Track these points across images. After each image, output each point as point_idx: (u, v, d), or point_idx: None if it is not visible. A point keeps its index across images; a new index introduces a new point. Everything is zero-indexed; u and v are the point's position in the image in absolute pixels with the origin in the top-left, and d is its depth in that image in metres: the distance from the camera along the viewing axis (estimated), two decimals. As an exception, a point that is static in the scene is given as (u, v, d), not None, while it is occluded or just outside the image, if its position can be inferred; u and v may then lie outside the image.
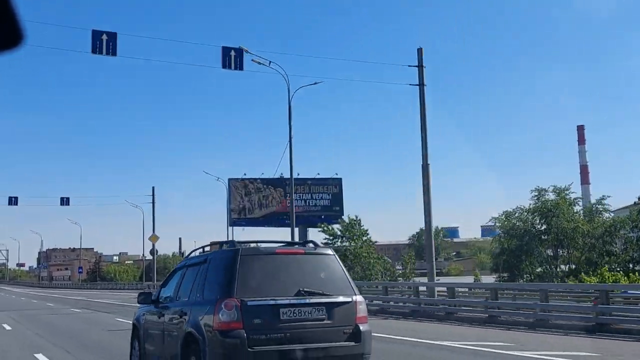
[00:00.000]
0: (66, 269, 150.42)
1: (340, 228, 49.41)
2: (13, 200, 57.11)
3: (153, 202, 42.16)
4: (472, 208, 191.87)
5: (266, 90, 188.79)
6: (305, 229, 65.17)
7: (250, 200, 64.06)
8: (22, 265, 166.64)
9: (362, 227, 48.33)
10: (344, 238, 48.90)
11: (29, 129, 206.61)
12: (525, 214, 47.05)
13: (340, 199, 65.25)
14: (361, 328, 6.87)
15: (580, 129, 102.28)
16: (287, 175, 65.71)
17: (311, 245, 7.90)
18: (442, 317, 20.84)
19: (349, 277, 7.39)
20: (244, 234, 64.20)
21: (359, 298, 7.08)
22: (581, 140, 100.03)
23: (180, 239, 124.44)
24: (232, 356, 6.32)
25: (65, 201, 60.65)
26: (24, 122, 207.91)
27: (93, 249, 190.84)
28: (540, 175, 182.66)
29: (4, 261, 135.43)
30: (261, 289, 6.68)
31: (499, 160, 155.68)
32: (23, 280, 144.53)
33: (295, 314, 6.60)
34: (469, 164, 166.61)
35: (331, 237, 49.42)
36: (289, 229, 70.72)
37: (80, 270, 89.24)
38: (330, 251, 7.73)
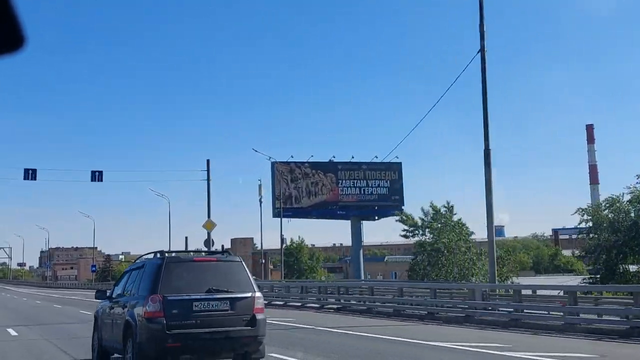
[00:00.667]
0: (72, 268, 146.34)
1: (422, 217, 40.74)
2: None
3: (208, 178, 33.54)
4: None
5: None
6: (359, 223, 56.81)
7: (298, 187, 55.49)
8: (23, 265, 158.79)
9: (453, 216, 39.60)
10: (425, 229, 40.26)
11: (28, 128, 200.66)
12: (627, 204, 38.46)
13: (400, 187, 56.82)
14: (257, 317, 9.14)
15: (589, 128, 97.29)
16: (340, 157, 59.45)
17: (224, 255, 10.16)
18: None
19: (251, 278, 9.60)
20: (285, 226, 55.95)
21: (257, 294, 9.35)
22: (590, 139, 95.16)
23: (186, 237, 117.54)
24: (154, 337, 8.58)
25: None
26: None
27: (97, 247, 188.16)
28: (540, 175, 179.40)
29: (6, 259, 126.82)
30: (180, 287, 8.89)
31: (498, 161, 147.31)
32: (26, 280, 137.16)
33: (205, 306, 8.83)
34: (468, 163, 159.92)
35: (411, 229, 40.78)
36: (341, 222, 62.30)
37: (94, 268, 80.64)
38: (237, 259, 9.88)
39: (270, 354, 10.69)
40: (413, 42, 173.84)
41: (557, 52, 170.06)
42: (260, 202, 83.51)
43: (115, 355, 10.07)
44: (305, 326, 18.06)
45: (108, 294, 11.03)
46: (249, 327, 9.00)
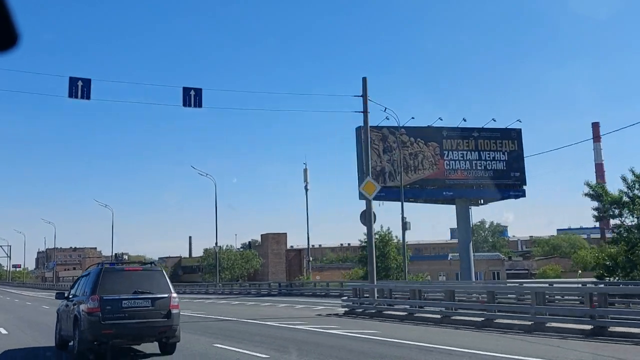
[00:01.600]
0: (74, 268, 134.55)
1: (627, 190, 27.83)
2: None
3: (365, 111, 20.59)
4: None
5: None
6: (467, 207, 43.81)
7: (392, 160, 42.38)
8: (18, 266, 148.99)
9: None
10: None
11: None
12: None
13: (520, 161, 43.74)
14: (172, 311, 11.87)
15: (596, 126, 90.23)
16: (449, 122, 47.01)
17: (150, 265, 13.78)
18: None
19: (169, 283, 12.38)
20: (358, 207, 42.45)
21: (173, 295, 12.08)
22: (596, 138, 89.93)
23: (190, 237, 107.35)
24: (93, 326, 11.29)
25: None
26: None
27: (96, 248, 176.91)
28: (540, 176, 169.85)
29: (5, 257, 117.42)
30: (114, 289, 11.61)
31: None
32: (25, 282, 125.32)
33: (131, 304, 11.58)
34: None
35: (611, 207, 27.90)
36: (447, 207, 48.83)
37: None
38: (159, 268, 13.13)
39: None
40: None
41: (561, 51, 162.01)
42: (306, 189, 71.44)
43: (71, 342, 12.58)
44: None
45: (65, 295, 13.87)
46: (166, 319, 11.83)
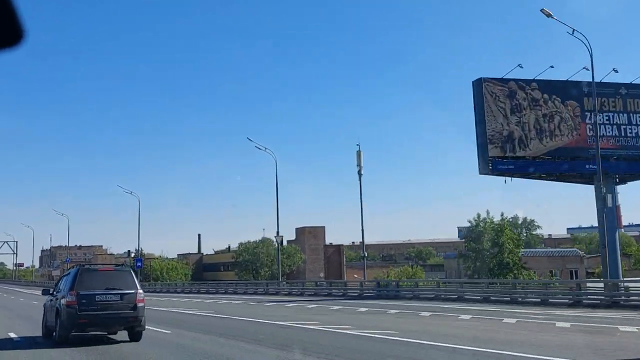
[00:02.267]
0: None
1: None
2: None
3: None
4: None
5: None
6: (612, 187, 34.22)
7: (522, 122, 32.87)
8: (21, 265, 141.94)
9: None
10: None
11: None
12: None
13: (680, 126, 34.13)
14: (138, 305, 13.78)
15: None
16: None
17: (120, 266, 15.66)
18: None
19: (136, 280, 14.42)
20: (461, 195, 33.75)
21: (139, 291, 14.06)
22: None
23: (199, 235, 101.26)
24: (71, 316, 13.27)
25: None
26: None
27: (102, 246, 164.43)
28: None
29: (10, 254, 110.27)
30: (89, 286, 13.59)
31: None
32: (30, 280, 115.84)
33: (103, 298, 13.54)
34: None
35: None
36: (589, 187, 36.29)
37: (140, 264, 57.84)
38: (127, 269, 14.98)
39: None
40: None
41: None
42: (360, 174, 61.73)
43: (54, 332, 14.26)
44: None
45: (50, 291, 15.99)
46: (133, 311, 13.75)
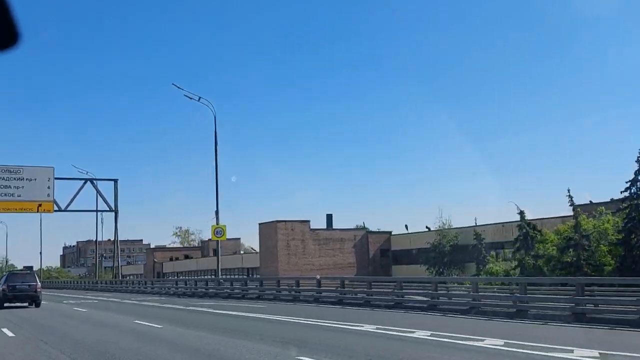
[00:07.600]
0: (128, 263, 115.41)
1: None
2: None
3: None
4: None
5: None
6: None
7: None
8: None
9: None
10: None
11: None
12: None
13: None
14: (37, 290, 32.54)
15: None
16: None
17: (29, 270, 37.74)
18: None
19: (37, 278, 34.47)
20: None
21: (38, 284, 33.14)
22: None
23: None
24: (4, 295, 31.99)
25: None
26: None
27: (142, 240, 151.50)
28: (538, 177, 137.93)
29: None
30: (13, 281, 32.98)
31: (498, 160, 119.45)
32: (72, 280, 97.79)
33: (20, 287, 32.39)
34: (468, 162, 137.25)
35: None
36: None
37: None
38: (32, 272, 36.29)
39: None
40: None
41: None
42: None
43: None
44: None
45: None
46: (35, 293, 31.75)
